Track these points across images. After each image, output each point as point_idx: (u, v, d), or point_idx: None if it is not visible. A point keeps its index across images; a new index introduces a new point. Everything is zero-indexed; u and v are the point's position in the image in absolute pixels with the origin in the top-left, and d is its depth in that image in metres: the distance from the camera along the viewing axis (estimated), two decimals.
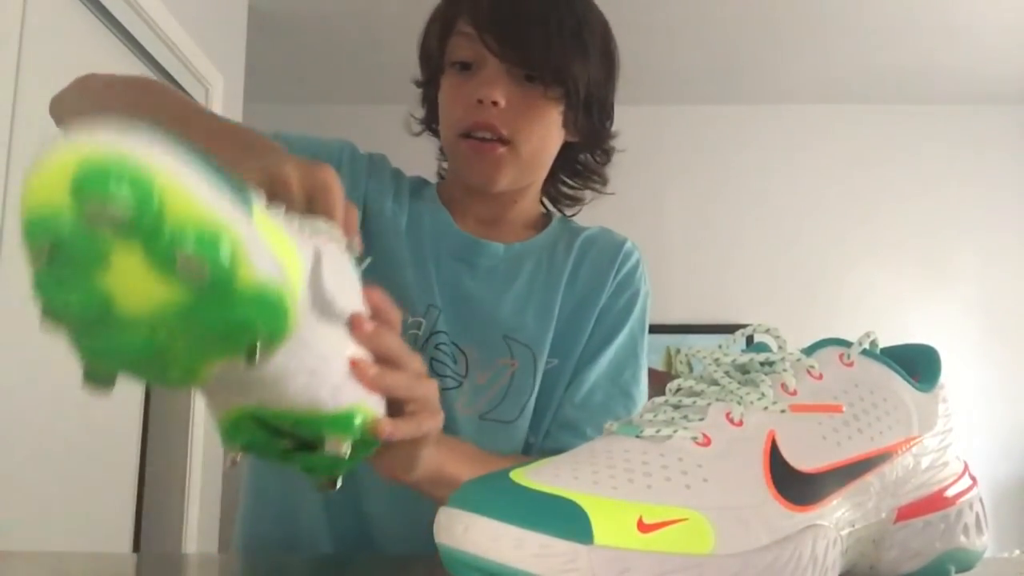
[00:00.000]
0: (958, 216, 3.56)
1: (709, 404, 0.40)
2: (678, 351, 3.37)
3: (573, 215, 0.94)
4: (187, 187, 0.33)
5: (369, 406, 0.48)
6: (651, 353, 0.88)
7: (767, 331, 0.44)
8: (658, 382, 0.86)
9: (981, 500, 0.47)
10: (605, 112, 0.84)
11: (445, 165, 0.90)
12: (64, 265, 0.34)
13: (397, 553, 0.74)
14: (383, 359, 0.48)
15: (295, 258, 0.40)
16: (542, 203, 0.93)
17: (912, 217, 3.56)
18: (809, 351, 0.44)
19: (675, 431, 0.39)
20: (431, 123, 0.88)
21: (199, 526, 2.30)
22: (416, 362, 0.52)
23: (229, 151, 0.54)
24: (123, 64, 2.04)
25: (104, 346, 0.37)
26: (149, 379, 0.41)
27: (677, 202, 3.59)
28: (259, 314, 0.37)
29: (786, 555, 0.36)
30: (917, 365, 0.48)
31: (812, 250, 3.55)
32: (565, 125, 0.80)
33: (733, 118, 3.65)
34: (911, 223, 3.56)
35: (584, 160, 0.89)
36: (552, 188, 0.91)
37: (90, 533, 1.88)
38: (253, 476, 0.83)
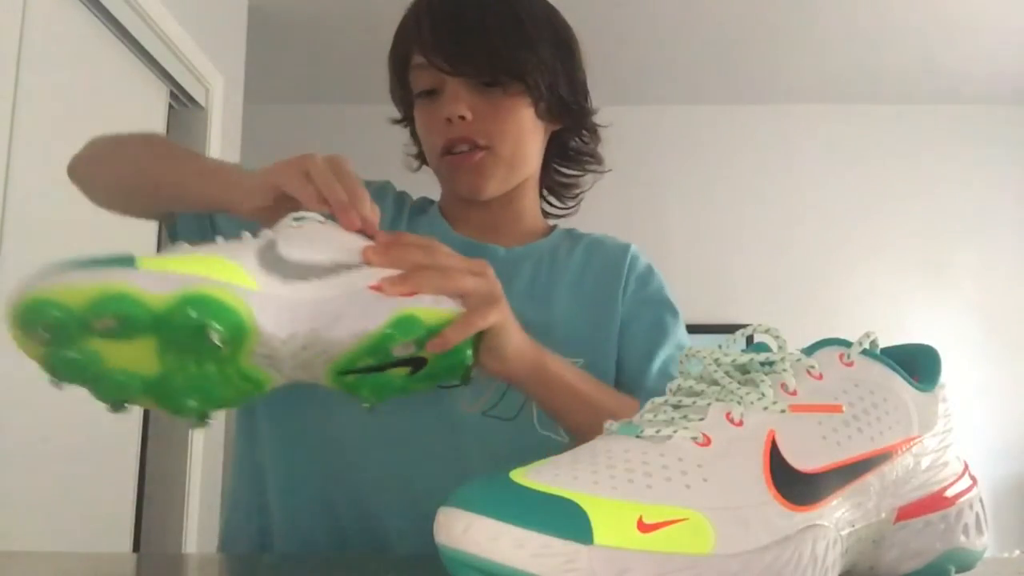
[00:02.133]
0: (958, 216, 3.55)
1: (709, 404, 0.40)
2: None
3: (576, 205, 0.96)
4: (67, 284, 0.46)
5: (418, 306, 0.53)
6: None
7: (767, 331, 0.44)
8: None
9: (981, 500, 0.47)
10: (577, 91, 0.86)
11: None
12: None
13: (401, 552, 0.74)
14: (410, 267, 0.54)
15: (215, 261, 0.49)
16: (544, 213, 0.94)
17: (912, 217, 3.55)
18: (809, 351, 0.44)
19: (675, 431, 0.39)
20: (423, 156, 0.90)
21: (199, 526, 2.30)
22: (454, 257, 0.57)
23: (217, 186, 0.65)
24: (123, 64, 2.04)
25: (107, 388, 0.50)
26: (181, 405, 0.52)
27: (677, 202, 3.59)
28: (199, 310, 0.46)
29: (786, 555, 0.36)
30: (917, 365, 0.48)
31: (812, 250, 3.55)
32: (540, 116, 0.82)
33: (732, 118, 3.65)
34: (911, 223, 3.55)
35: (575, 145, 0.91)
36: (548, 179, 0.93)
37: (90, 533, 1.88)
38: (236, 478, 0.83)
